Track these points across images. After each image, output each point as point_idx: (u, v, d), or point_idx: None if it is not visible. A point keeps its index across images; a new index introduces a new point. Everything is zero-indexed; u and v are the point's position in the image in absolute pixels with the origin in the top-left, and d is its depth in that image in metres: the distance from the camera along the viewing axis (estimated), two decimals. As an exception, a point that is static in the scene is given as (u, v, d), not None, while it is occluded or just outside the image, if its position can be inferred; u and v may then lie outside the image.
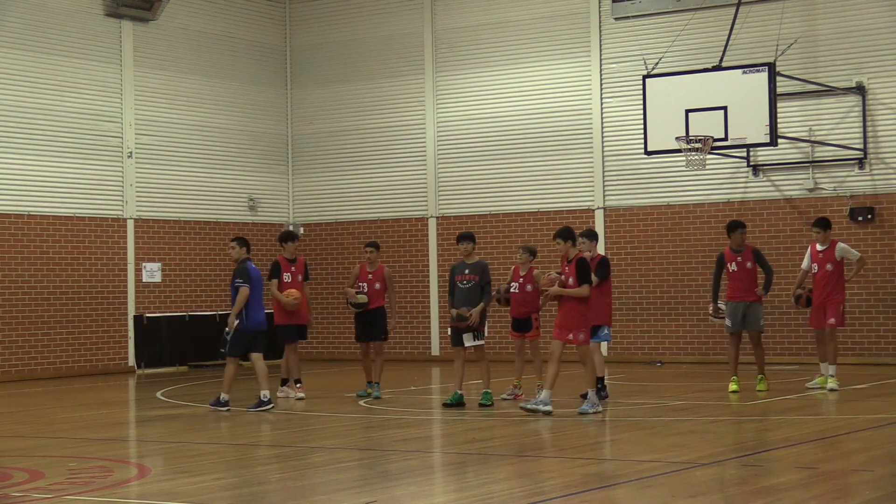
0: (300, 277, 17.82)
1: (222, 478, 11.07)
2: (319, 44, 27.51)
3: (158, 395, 19.28)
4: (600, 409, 14.95)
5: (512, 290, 16.66)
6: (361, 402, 17.00)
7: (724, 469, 10.97)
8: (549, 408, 14.76)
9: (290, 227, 26.64)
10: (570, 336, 14.76)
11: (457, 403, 15.94)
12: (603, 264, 16.40)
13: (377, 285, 17.55)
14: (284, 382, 18.01)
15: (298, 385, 17.77)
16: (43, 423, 16.12)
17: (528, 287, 16.56)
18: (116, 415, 17.52)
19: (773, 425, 14.32)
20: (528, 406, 14.82)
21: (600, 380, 16.40)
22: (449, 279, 16.47)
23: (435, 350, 25.62)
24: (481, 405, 15.92)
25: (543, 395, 14.81)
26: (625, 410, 15.97)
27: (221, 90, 26.37)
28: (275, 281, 17.64)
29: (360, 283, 17.59)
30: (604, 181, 24.54)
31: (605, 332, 16.42)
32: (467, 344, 15.96)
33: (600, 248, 24.15)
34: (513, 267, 17.22)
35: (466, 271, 16.10)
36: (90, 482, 10.70)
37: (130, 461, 12.48)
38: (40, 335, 23.00)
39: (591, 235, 16.85)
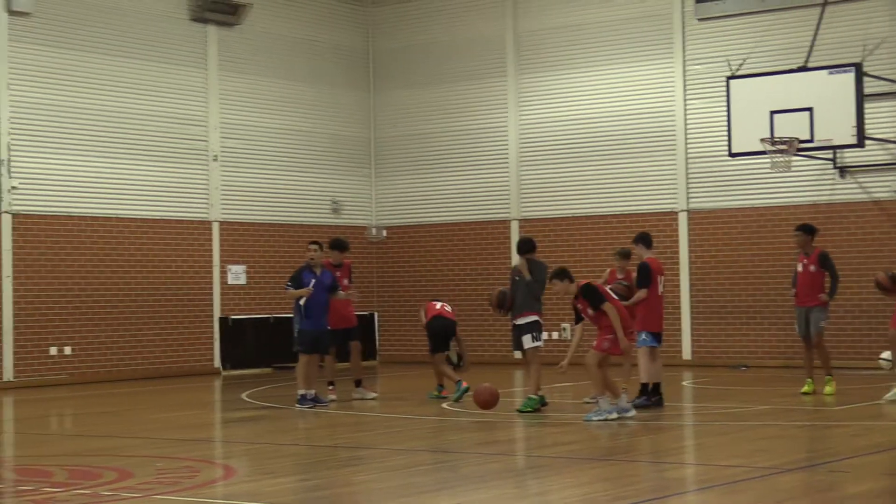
0: (346, 281, 18.04)
1: (306, 479, 11.15)
2: (402, 47, 27.61)
3: (243, 396, 19.45)
4: (612, 416, 14.62)
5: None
6: (444, 405, 17.03)
7: (810, 475, 10.85)
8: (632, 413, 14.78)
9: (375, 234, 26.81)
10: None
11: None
12: (639, 270, 16.15)
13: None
14: (358, 384, 18.12)
15: (331, 387, 17.91)
16: (131, 423, 16.33)
17: None
18: (202, 416, 17.72)
19: (860, 430, 14.12)
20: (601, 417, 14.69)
21: (656, 386, 16.10)
22: (511, 280, 16.43)
23: (518, 353, 25.54)
24: (519, 411, 15.78)
25: (620, 401, 14.78)
26: (710, 415, 15.84)
27: (305, 94, 26.56)
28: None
29: None
30: (687, 183, 24.37)
31: (643, 337, 16.14)
32: (526, 346, 15.93)
33: (683, 252, 24.10)
34: (608, 270, 17.15)
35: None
36: (177, 482, 10.84)
37: (216, 462, 12.61)
38: (128, 336, 23.31)
39: (637, 240, 16.58)
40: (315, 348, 17.22)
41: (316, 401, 17.04)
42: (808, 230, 17.71)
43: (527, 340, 15.94)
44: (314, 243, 17.38)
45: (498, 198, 26.35)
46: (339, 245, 18.27)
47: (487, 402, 15.74)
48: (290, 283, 17.12)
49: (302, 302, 17.07)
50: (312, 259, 17.23)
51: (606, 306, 14.59)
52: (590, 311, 14.76)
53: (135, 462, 12.10)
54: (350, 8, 27.56)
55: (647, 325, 16.11)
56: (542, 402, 15.90)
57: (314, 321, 17.09)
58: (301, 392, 17.03)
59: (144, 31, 23.88)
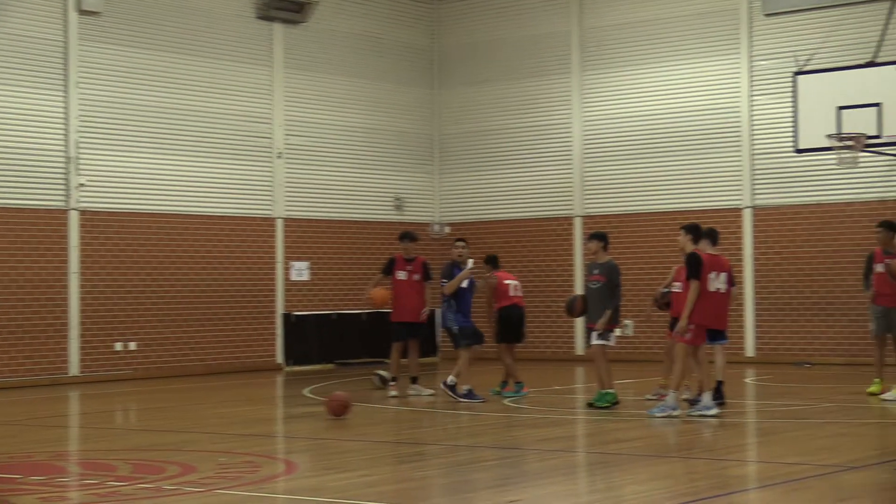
0: (416, 277, 18.05)
1: (368, 475, 11.17)
2: (466, 44, 27.62)
3: (305, 392, 19.55)
4: (675, 413, 14.58)
5: (675, 289, 16.05)
6: (506, 402, 17.02)
7: (875, 473, 10.73)
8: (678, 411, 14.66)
9: (441, 227, 26.83)
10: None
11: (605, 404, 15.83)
12: (686, 262, 15.32)
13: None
14: (415, 381, 18.10)
15: (392, 384, 17.93)
16: (194, 418, 16.48)
17: None
18: (264, 411, 17.83)
19: (927, 430, 13.96)
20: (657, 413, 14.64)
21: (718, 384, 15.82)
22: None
23: (579, 349, 25.51)
24: (593, 405, 15.70)
25: (670, 398, 14.69)
26: (773, 412, 15.70)
27: (369, 91, 26.64)
28: (379, 276, 18.21)
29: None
30: (752, 180, 24.18)
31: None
32: (592, 342, 15.90)
33: (747, 248, 23.91)
34: (675, 268, 16.96)
35: (595, 272, 16.03)
36: (239, 477, 10.91)
37: (278, 457, 12.69)
38: (192, 332, 23.50)
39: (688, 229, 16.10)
40: (478, 341, 17.37)
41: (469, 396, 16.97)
42: (891, 227, 16.99)
43: (593, 337, 15.91)
44: (460, 240, 17.71)
45: (561, 194, 26.29)
46: (410, 237, 18.36)
47: (338, 409, 15.36)
48: (444, 280, 17.18)
49: (465, 285, 17.15)
50: (460, 255, 17.38)
51: (693, 283, 14.58)
52: (685, 280, 14.82)
53: (197, 457, 12.21)
54: (415, 5, 27.61)
55: (699, 318, 15.71)
56: (615, 400, 15.84)
57: (468, 316, 17.19)
58: (466, 388, 16.93)
59: (211, 29, 24.05)
